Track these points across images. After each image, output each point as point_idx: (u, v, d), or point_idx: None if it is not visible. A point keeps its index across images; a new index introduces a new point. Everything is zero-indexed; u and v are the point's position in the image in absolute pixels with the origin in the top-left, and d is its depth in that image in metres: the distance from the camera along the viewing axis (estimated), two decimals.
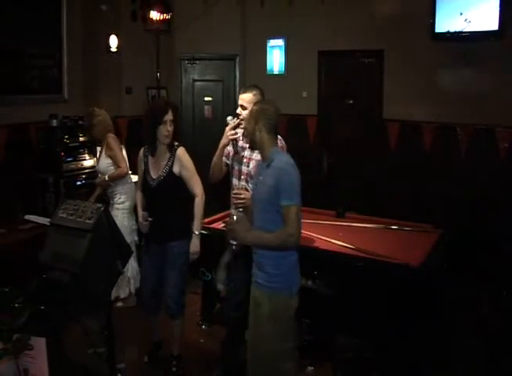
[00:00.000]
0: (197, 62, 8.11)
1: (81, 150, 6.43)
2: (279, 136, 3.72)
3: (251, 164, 3.97)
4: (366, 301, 4.08)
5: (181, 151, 4.16)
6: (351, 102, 7.38)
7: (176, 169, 4.12)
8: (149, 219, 4.14)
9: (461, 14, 6.31)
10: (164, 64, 7.79)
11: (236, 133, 3.99)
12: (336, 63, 7.44)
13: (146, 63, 7.64)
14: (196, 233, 4.19)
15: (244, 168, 4.02)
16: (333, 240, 4.66)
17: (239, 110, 4.01)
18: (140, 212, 4.30)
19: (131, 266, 5.20)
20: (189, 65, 8.12)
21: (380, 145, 7.07)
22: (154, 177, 4.15)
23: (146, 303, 4.46)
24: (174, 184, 4.13)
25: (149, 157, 4.21)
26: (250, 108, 3.71)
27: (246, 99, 3.97)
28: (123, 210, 5.22)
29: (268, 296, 3.32)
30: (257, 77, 7.71)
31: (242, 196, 3.72)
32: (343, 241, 4.63)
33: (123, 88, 7.48)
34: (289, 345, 3.38)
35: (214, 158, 4.13)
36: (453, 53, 6.44)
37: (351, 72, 7.31)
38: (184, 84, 8.17)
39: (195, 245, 4.20)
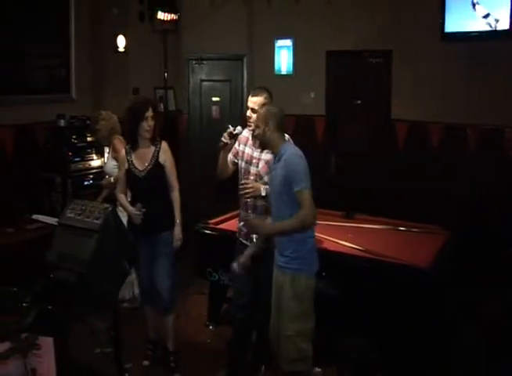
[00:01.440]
0: (205, 62, 8.11)
1: (89, 150, 6.44)
2: (286, 136, 3.81)
3: (260, 165, 3.99)
4: (373, 302, 4.09)
5: (165, 144, 4.40)
6: (358, 102, 7.37)
7: (161, 160, 4.33)
8: (143, 209, 4.21)
9: (471, 14, 6.28)
10: (172, 64, 7.81)
11: (227, 144, 4.09)
12: (344, 64, 7.42)
13: (153, 63, 7.66)
14: (178, 221, 4.37)
15: (253, 169, 4.04)
16: (341, 242, 4.66)
17: (249, 113, 4.02)
18: (129, 208, 4.32)
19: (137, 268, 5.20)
20: (197, 65, 8.12)
21: (387, 145, 7.05)
22: (141, 168, 4.33)
23: (145, 296, 4.59)
24: (161, 173, 4.35)
25: (132, 153, 4.37)
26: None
27: (257, 102, 3.99)
28: None
29: (290, 278, 3.59)
30: (265, 78, 7.71)
31: (250, 185, 3.89)
32: (351, 242, 4.62)
33: (130, 88, 7.50)
34: (310, 325, 3.66)
35: (220, 160, 4.22)
36: (462, 53, 6.42)
37: (359, 72, 7.30)
38: (191, 84, 8.17)
39: (179, 232, 4.38)
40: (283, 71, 7.92)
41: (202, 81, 8.20)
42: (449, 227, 5.05)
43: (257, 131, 3.68)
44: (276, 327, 3.72)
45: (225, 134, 4.06)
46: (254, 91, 4.15)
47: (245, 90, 8.07)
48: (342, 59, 7.42)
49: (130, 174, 4.37)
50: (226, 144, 4.08)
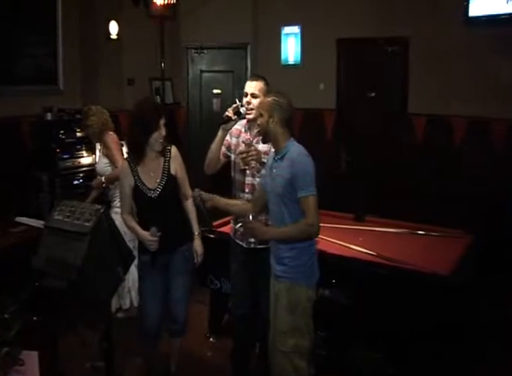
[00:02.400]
0: (205, 51, 8.13)
1: (79, 147, 6.44)
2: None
3: None
4: (388, 312, 4.07)
5: (174, 150, 4.14)
6: (372, 95, 7.36)
7: (173, 170, 4.09)
8: (159, 234, 3.92)
9: None
10: (169, 53, 7.81)
11: (231, 119, 3.98)
12: (356, 52, 7.43)
13: (149, 52, 7.65)
14: (196, 233, 4.22)
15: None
16: (352, 246, 4.65)
17: (248, 99, 3.98)
18: (142, 233, 3.99)
19: (132, 275, 5.19)
20: (197, 54, 8.13)
21: (404, 142, 7.04)
22: (152, 186, 4.02)
23: (150, 332, 4.23)
24: (175, 186, 4.10)
25: (137, 168, 4.05)
26: (261, 97, 3.85)
27: (257, 86, 3.98)
28: None
29: (287, 287, 3.54)
30: (271, 68, 7.71)
31: (253, 152, 3.80)
32: (363, 247, 4.61)
33: (124, 79, 7.51)
34: (306, 343, 3.57)
35: (213, 145, 4.09)
36: (489, 39, 6.36)
37: (372, 62, 7.29)
38: (191, 75, 8.19)
39: (200, 246, 4.20)
40: (290, 61, 7.95)
41: (202, 71, 8.22)
42: (472, 231, 5.02)
43: (259, 120, 3.60)
44: (273, 339, 3.68)
45: (230, 109, 3.98)
46: (252, 77, 4.18)
47: None
48: (354, 48, 7.43)
49: (138, 194, 4.02)
50: (230, 119, 3.97)
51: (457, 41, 6.61)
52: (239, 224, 3.96)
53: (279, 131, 3.54)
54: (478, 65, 6.50)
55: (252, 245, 4.02)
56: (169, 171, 4.06)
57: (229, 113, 3.97)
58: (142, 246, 4.05)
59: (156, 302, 4.14)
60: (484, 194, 6.30)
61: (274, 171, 3.57)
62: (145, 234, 3.94)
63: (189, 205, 4.20)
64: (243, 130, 4.10)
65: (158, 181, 4.02)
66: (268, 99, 3.59)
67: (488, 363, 4.61)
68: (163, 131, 3.98)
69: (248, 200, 3.94)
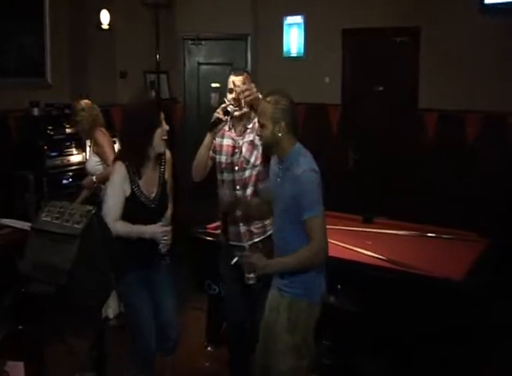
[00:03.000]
0: (203, 42, 8.12)
1: (68, 144, 6.43)
2: None
3: (244, 148, 4.03)
4: (397, 319, 4.07)
5: (168, 153, 4.00)
6: (380, 89, 7.35)
7: (167, 175, 3.97)
8: (168, 225, 3.82)
9: None
10: (165, 45, 7.80)
11: (222, 120, 4.02)
12: (363, 44, 7.42)
13: (143, 43, 7.66)
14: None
15: (237, 157, 4.06)
16: (359, 250, 4.64)
17: (234, 95, 3.99)
18: (146, 228, 3.76)
19: None
20: (194, 46, 8.12)
21: (414, 138, 7.03)
22: (151, 196, 3.86)
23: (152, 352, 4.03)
24: (167, 193, 3.99)
25: (141, 177, 3.83)
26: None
27: (242, 80, 4.02)
28: None
29: (287, 302, 3.41)
30: (272, 60, 7.72)
31: (246, 92, 3.86)
32: (371, 251, 4.61)
33: (117, 72, 7.50)
34: (304, 363, 3.44)
35: (201, 150, 4.10)
36: (506, 28, 6.34)
37: (380, 54, 7.28)
38: (187, 68, 8.18)
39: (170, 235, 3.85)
40: (293, 53, 7.94)
41: (200, 64, 8.21)
42: (487, 233, 5.02)
43: (263, 133, 3.39)
44: (263, 357, 3.56)
45: (219, 110, 4.01)
46: (235, 71, 4.17)
47: None
48: (361, 39, 7.42)
49: (134, 204, 3.77)
50: (221, 121, 3.99)
51: (472, 30, 6.59)
52: (235, 259, 3.80)
53: (285, 139, 3.33)
54: (494, 56, 6.48)
55: (250, 242, 4.00)
56: (164, 177, 3.93)
57: (219, 114, 3.99)
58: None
59: (152, 323, 3.93)
60: (499, 194, 6.30)
61: (279, 181, 3.43)
62: (154, 227, 3.73)
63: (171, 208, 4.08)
64: (226, 128, 4.13)
65: (156, 190, 3.86)
66: (267, 104, 3.35)
67: (497, 365, 4.64)
68: (165, 126, 3.80)
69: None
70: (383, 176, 7.11)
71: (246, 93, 3.85)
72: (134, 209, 3.76)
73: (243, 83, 4.00)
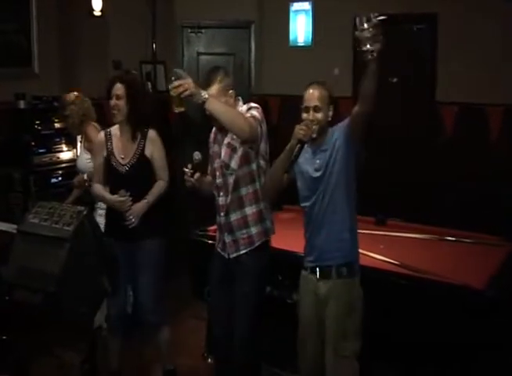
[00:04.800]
0: (203, 31, 8.11)
1: (57, 140, 6.44)
2: (249, 104, 4.09)
3: (223, 152, 4.07)
4: (413, 329, 4.04)
5: (152, 133, 4.54)
6: (395, 80, 7.34)
7: (148, 152, 4.49)
8: (128, 194, 4.37)
9: None
10: (162, 33, 7.79)
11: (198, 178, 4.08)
12: None
13: (138, 31, 7.64)
14: (147, 202, 4.47)
15: (217, 162, 4.12)
16: (371, 254, 4.61)
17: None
18: (110, 196, 4.48)
19: None
20: (193, 34, 8.12)
21: (431, 134, 7.03)
22: (123, 162, 4.49)
23: (114, 322, 4.66)
24: (148, 169, 4.51)
25: (114, 140, 4.55)
26: (222, 100, 3.93)
27: (213, 93, 3.94)
28: None
29: (347, 284, 3.77)
30: (278, 50, 7.73)
31: (183, 80, 3.68)
32: (384, 255, 4.59)
33: (110, 62, 7.48)
34: (360, 344, 3.80)
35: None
36: None
37: (395, 42, 7.22)
38: (186, 58, 8.18)
39: (139, 208, 4.44)
40: (300, 42, 7.95)
41: (199, 54, 8.21)
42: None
43: (320, 116, 3.76)
44: (318, 352, 3.82)
45: (188, 170, 4.02)
46: (204, 79, 4.12)
47: (253, 66, 8.07)
48: None
49: (109, 165, 4.52)
50: (194, 185, 4.06)
51: (494, 17, 6.59)
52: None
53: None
54: None
55: (235, 254, 4.10)
56: (143, 151, 4.48)
57: (189, 177, 4.03)
58: (107, 226, 4.54)
59: (121, 295, 4.46)
60: None
61: (319, 162, 3.77)
62: (113, 197, 4.43)
63: (158, 183, 4.54)
64: (212, 135, 4.23)
65: (130, 157, 4.47)
66: (322, 89, 3.82)
67: None
68: (113, 101, 4.44)
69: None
70: (396, 175, 7.09)
71: (180, 89, 3.65)
72: (108, 172, 4.53)
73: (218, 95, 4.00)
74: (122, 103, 4.42)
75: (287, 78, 7.76)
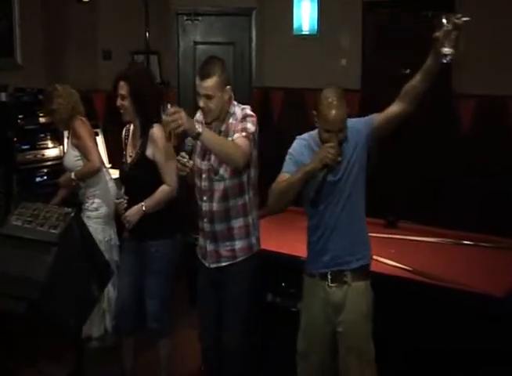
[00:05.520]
0: (200, 18, 8.12)
1: (42, 135, 6.43)
2: (243, 106, 4.11)
3: (213, 156, 4.04)
4: (428, 341, 4.04)
5: (156, 130, 4.45)
6: (407, 71, 7.31)
7: (149, 152, 4.47)
8: (125, 198, 4.50)
9: None
10: (156, 21, 7.77)
11: (192, 165, 4.01)
12: (387, 18, 7.43)
13: (130, 18, 7.66)
14: (143, 206, 4.46)
15: (204, 164, 4.12)
16: (381, 259, 4.59)
17: (202, 103, 3.99)
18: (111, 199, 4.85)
19: (108, 294, 5.18)
20: (189, 22, 8.12)
21: (448, 129, 7.01)
22: (128, 161, 4.60)
23: (120, 319, 4.74)
24: (150, 170, 4.47)
25: (130, 137, 4.66)
26: (218, 95, 3.94)
27: (211, 86, 3.96)
28: (97, 219, 5.23)
29: (364, 287, 3.84)
30: (281, 39, 7.73)
31: (176, 116, 3.64)
32: (396, 261, 4.58)
33: (99, 51, 7.49)
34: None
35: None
36: None
37: (408, 30, 7.26)
38: (182, 47, 8.19)
39: (133, 212, 4.47)
40: (305, 30, 7.95)
41: (196, 43, 8.21)
42: None
43: (342, 136, 3.74)
44: (325, 364, 3.88)
45: (184, 157, 3.92)
46: (201, 69, 4.08)
47: (254, 56, 8.07)
48: (385, 12, 7.42)
49: (121, 163, 4.68)
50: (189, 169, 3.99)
51: None
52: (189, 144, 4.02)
53: None
54: None
55: (215, 265, 4.16)
56: (144, 151, 4.49)
57: (183, 165, 3.92)
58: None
59: (127, 288, 4.58)
60: None
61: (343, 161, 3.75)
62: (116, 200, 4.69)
63: (163, 188, 4.49)
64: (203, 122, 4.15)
65: (132, 157, 4.56)
66: (344, 108, 3.79)
67: None
68: (118, 100, 4.53)
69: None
70: (408, 173, 7.09)
71: (173, 125, 3.63)
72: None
73: (215, 88, 3.96)
74: (127, 102, 4.47)
75: (291, 70, 7.77)
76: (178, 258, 4.63)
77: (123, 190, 4.71)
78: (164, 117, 3.76)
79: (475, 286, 4.09)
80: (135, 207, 4.44)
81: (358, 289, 3.81)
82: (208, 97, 3.95)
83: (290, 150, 3.87)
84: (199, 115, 4.21)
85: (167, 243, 4.53)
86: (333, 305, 3.82)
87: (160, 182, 4.47)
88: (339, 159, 3.63)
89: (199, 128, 3.72)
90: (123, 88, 4.45)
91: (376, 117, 3.81)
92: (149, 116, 4.50)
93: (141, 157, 4.49)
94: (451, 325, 3.98)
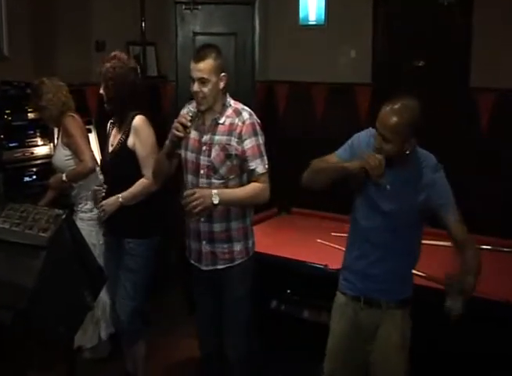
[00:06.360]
0: (199, 7, 8.12)
1: (31, 132, 6.41)
2: (247, 109, 4.13)
3: (214, 152, 4.06)
4: (443, 350, 4.07)
5: (138, 120, 4.59)
6: (421, 64, 7.33)
7: (130, 142, 4.58)
8: (104, 187, 4.67)
9: None
10: (152, 10, 7.79)
11: (190, 132, 4.07)
12: (400, 7, 7.43)
13: (125, 7, 7.66)
14: (119, 198, 4.55)
15: (203, 159, 4.11)
16: None
17: (196, 87, 4.01)
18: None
19: (102, 301, 5.17)
20: (188, 11, 8.12)
21: (464, 126, 7.00)
22: (110, 150, 4.73)
23: (114, 315, 4.90)
24: (129, 162, 4.57)
25: (113, 129, 4.81)
26: (213, 80, 3.98)
27: (206, 68, 4.00)
28: (89, 221, 5.23)
29: (401, 315, 3.82)
30: (286, 30, 7.73)
31: (196, 195, 3.80)
32: None
33: (92, 42, 7.47)
34: None
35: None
36: None
37: (422, 19, 7.26)
38: (180, 38, 8.19)
39: (109, 202, 4.57)
40: (312, 20, 7.94)
41: (195, 34, 8.22)
42: None
43: (387, 148, 3.55)
44: None
45: (184, 119, 3.98)
46: (197, 53, 4.12)
47: (257, 47, 8.07)
48: (397, 1, 7.42)
49: (103, 151, 4.92)
50: (182, 139, 4.04)
51: None
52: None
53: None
54: None
55: (211, 267, 4.19)
56: (125, 141, 4.60)
57: (179, 131, 3.98)
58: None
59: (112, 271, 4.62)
60: None
61: (397, 190, 3.67)
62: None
63: (142, 181, 4.56)
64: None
65: (112, 148, 4.70)
66: (402, 117, 3.55)
67: None
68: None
69: None
70: None
71: (194, 203, 3.82)
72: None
73: (210, 70, 4.00)
74: (104, 91, 4.62)
75: (297, 62, 7.76)
76: (154, 258, 4.68)
77: (102, 179, 4.92)
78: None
79: (495, 293, 4.11)
80: (112, 198, 4.54)
81: (395, 315, 3.78)
82: (203, 81, 3.98)
83: (355, 135, 3.86)
84: (191, 106, 4.20)
85: (144, 242, 4.60)
86: (363, 331, 3.79)
87: (141, 175, 4.54)
88: (381, 172, 3.49)
89: (215, 199, 3.82)
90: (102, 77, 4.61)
91: (447, 216, 3.88)
92: (129, 105, 4.61)
93: (122, 146, 4.59)
94: (467, 333, 3.98)
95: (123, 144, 4.59)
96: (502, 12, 6.74)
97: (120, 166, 4.61)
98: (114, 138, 4.71)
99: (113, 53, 4.71)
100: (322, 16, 7.82)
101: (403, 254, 3.77)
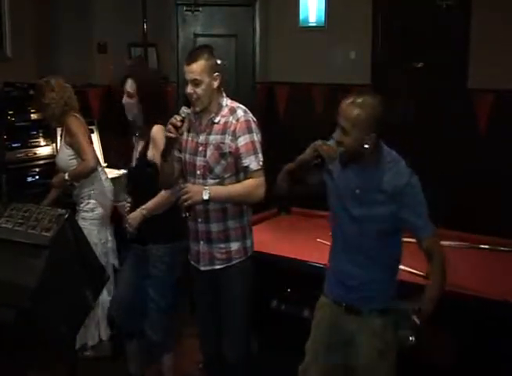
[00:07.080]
0: (200, 8, 8.13)
1: (34, 133, 6.42)
2: (242, 107, 4.10)
3: (208, 152, 4.06)
4: (443, 350, 4.02)
5: (155, 130, 4.47)
6: (420, 65, 7.32)
7: (150, 154, 4.49)
8: (128, 200, 4.64)
9: None
10: (154, 12, 7.79)
11: (182, 133, 4.06)
12: (399, 9, 7.42)
13: (127, 9, 7.65)
14: (143, 211, 4.50)
15: (199, 160, 4.10)
16: None
17: (190, 89, 4.02)
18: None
19: (103, 301, 5.16)
20: (189, 13, 8.12)
21: (463, 127, 6.99)
22: (132, 162, 4.67)
23: (119, 321, 4.78)
24: (149, 173, 4.43)
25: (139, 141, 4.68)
26: (206, 80, 3.97)
27: (198, 69, 3.99)
28: (92, 220, 5.23)
29: (382, 324, 3.65)
30: (286, 31, 7.73)
31: (186, 189, 3.92)
32: (410, 266, 4.54)
33: (94, 44, 7.47)
34: None
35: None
36: None
37: (421, 21, 7.25)
38: (181, 39, 8.19)
39: (133, 216, 4.51)
40: (312, 22, 7.96)
41: (196, 35, 8.23)
42: None
43: (345, 140, 3.48)
44: None
45: (175, 119, 3.95)
46: (189, 55, 4.12)
47: (257, 49, 8.07)
48: (397, 3, 7.42)
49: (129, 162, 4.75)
50: (175, 140, 4.02)
51: None
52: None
53: (373, 148, 3.53)
54: None
55: (209, 267, 4.18)
56: (145, 152, 4.52)
57: (173, 132, 3.94)
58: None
59: (127, 287, 4.63)
60: None
61: (362, 194, 3.63)
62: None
63: (163, 193, 4.49)
64: (193, 119, 4.16)
65: (135, 160, 4.65)
66: (360, 111, 3.46)
67: None
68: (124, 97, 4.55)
69: None
70: (422, 173, 7.02)
71: (181, 200, 3.91)
72: None
73: (202, 71, 4.00)
74: (133, 101, 4.49)
75: (297, 64, 7.76)
76: (179, 265, 4.60)
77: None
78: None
79: (494, 293, 4.07)
80: (136, 212, 4.47)
81: (375, 325, 3.68)
82: (196, 82, 3.98)
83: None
84: (185, 107, 4.12)
85: (167, 247, 4.53)
86: (344, 333, 3.74)
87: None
88: (332, 152, 3.50)
89: (205, 195, 3.87)
90: (131, 86, 4.46)
91: (417, 234, 3.77)
92: (153, 116, 4.49)
93: (142, 158, 4.53)
94: (467, 333, 3.98)
95: (142, 156, 4.55)
96: (500, 13, 6.73)
97: (141, 178, 4.58)
98: (137, 149, 4.66)
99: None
100: (322, 18, 7.84)
101: (382, 262, 3.70)
